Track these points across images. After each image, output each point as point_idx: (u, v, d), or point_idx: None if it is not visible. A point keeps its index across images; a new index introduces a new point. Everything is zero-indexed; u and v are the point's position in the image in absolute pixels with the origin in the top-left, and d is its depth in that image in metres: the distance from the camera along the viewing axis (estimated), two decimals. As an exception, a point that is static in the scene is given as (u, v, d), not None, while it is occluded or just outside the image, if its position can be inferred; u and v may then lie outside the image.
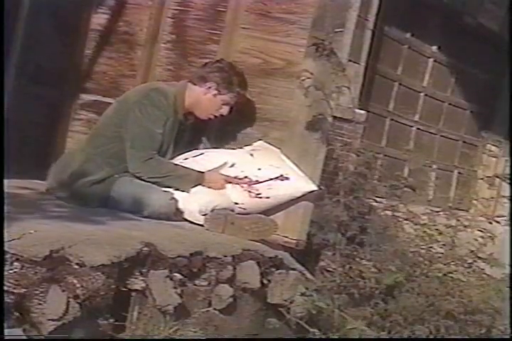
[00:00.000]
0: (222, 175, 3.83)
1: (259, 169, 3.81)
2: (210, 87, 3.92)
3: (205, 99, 3.93)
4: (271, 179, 3.79)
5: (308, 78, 3.74)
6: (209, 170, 3.83)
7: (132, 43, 4.48)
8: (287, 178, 3.79)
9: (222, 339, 3.16)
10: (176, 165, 3.83)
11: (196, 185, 3.78)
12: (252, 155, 3.88)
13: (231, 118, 4.04)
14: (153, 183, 3.75)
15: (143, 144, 3.78)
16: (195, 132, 4.08)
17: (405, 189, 3.96)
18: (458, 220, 3.76)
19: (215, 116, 3.97)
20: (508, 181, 4.23)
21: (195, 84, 3.95)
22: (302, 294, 3.38)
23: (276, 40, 4.04)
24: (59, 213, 3.31)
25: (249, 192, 3.80)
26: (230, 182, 3.82)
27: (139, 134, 3.78)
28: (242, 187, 3.81)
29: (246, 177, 3.81)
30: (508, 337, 3.46)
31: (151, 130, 3.79)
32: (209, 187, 3.79)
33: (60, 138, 4.55)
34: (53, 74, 4.53)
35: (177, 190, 3.76)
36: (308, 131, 3.88)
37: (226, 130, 4.11)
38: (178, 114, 3.90)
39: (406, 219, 3.81)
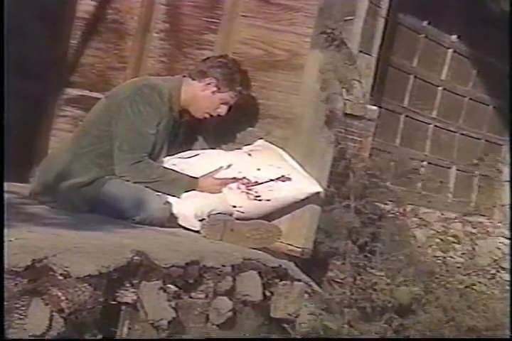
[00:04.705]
0: (218, 179, 3.83)
1: (259, 169, 3.82)
2: (209, 83, 3.92)
3: (203, 96, 3.93)
4: (271, 180, 3.79)
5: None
6: (203, 176, 3.84)
7: (122, 33, 4.49)
8: (289, 179, 3.79)
9: (222, 339, 3.17)
10: (167, 169, 3.84)
11: (188, 191, 3.80)
12: (250, 155, 3.89)
13: (230, 116, 4.05)
14: None
15: (132, 146, 3.78)
16: (190, 130, 4.08)
17: (422, 192, 3.97)
18: (474, 227, 3.77)
19: (211, 116, 3.98)
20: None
21: (193, 79, 3.96)
22: (310, 313, 3.39)
23: (280, 30, 4.04)
24: (43, 219, 3.33)
25: (248, 194, 3.80)
26: (226, 185, 3.82)
27: (129, 134, 3.79)
28: (239, 188, 3.81)
29: (244, 178, 3.82)
30: (508, 337, 3.50)
31: (142, 130, 3.79)
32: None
33: (42, 137, 4.56)
34: (36, 67, 4.54)
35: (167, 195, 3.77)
36: (312, 124, 3.87)
37: (225, 128, 4.12)
38: (172, 112, 3.91)
39: (421, 225, 3.82)
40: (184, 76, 3.99)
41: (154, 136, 3.81)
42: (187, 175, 3.83)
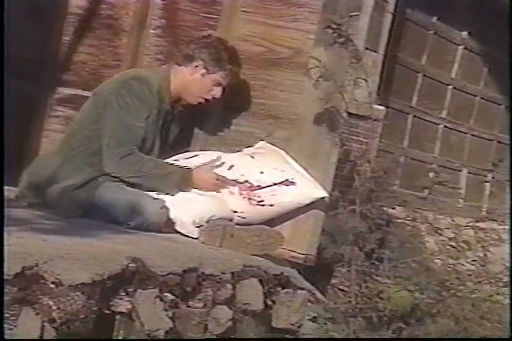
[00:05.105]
0: (214, 173, 3.82)
1: (262, 173, 3.82)
2: (197, 66, 3.93)
3: (193, 80, 3.94)
4: (275, 184, 3.80)
5: (317, 67, 3.74)
6: (197, 167, 3.82)
7: (117, 29, 4.49)
8: (293, 183, 3.79)
9: (222, 339, 3.18)
10: (160, 162, 3.83)
11: (183, 189, 3.78)
12: (252, 157, 3.89)
13: (229, 115, 4.06)
14: (134, 184, 3.76)
15: (119, 140, 3.76)
16: (185, 123, 4.08)
17: (431, 196, 3.98)
18: (486, 233, 3.78)
19: (207, 100, 3.98)
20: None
21: (180, 65, 3.96)
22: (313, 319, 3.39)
23: (282, 26, 4.05)
24: (32, 224, 3.32)
25: (250, 199, 3.80)
26: (222, 182, 3.81)
27: (117, 129, 3.78)
28: (241, 194, 3.81)
29: (246, 181, 3.81)
30: (508, 337, 3.52)
31: (129, 124, 3.77)
32: (199, 188, 3.80)
33: (33, 138, 4.56)
34: (26, 65, 4.53)
35: (163, 192, 3.76)
36: (318, 126, 3.87)
37: (224, 129, 4.12)
38: (163, 104, 3.90)
39: (431, 231, 3.82)
40: (174, 63, 4.00)
41: (144, 129, 3.81)
42: (181, 168, 3.83)
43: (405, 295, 3.49)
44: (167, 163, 3.86)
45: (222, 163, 3.86)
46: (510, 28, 5.81)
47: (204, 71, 3.93)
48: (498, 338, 3.55)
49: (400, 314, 3.48)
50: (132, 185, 3.79)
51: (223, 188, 3.84)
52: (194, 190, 3.81)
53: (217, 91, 3.96)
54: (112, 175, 3.77)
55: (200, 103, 3.99)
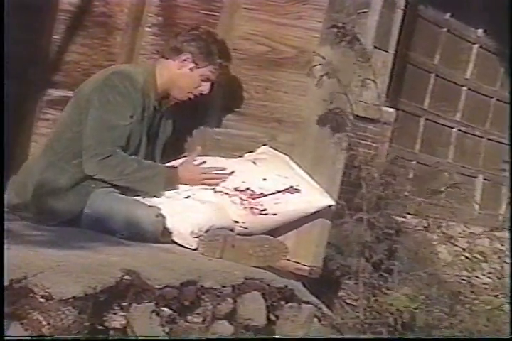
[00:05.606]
0: (199, 166, 3.83)
1: (264, 180, 3.82)
2: (185, 60, 3.94)
3: (181, 75, 3.95)
4: (278, 191, 3.81)
5: (321, 64, 3.74)
6: (182, 162, 3.84)
7: (110, 27, 4.50)
8: (298, 190, 3.80)
9: (223, 340, 3.19)
10: (144, 162, 3.83)
11: (170, 189, 3.80)
12: (254, 163, 3.90)
13: (229, 118, 4.07)
14: (118, 186, 3.78)
15: (101, 140, 3.76)
16: (180, 125, 4.09)
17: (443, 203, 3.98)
18: (503, 244, 3.78)
19: (196, 96, 3.99)
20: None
21: (167, 59, 3.98)
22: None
23: (286, 24, 4.06)
24: (20, 235, 3.32)
25: (252, 208, 3.81)
26: (210, 174, 3.81)
27: (98, 129, 3.78)
28: (242, 204, 3.81)
29: (248, 189, 3.82)
30: (508, 337, 3.53)
31: (113, 123, 3.77)
32: (187, 185, 3.81)
33: (22, 142, 4.56)
34: (14, 65, 4.54)
35: (149, 194, 3.78)
36: (323, 129, 3.88)
37: (224, 133, 4.13)
38: (149, 99, 3.90)
39: (444, 241, 3.82)
40: (160, 57, 4.02)
41: (128, 127, 3.81)
42: (166, 167, 3.85)
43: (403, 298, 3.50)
44: (151, 163, 3.87)
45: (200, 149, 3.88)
46: (511, 27, 5.83)
47: (192, 65, 3.94)
48: (498, 338, 3.58)
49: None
50: (123, 190, 3.80)
51: (212, 180, 3.84)
52: (194, 197, 3.82)
53: (205, 87, 3.97)
54: (95, 177, 3.77)
55: (189, 99, 4.00)
